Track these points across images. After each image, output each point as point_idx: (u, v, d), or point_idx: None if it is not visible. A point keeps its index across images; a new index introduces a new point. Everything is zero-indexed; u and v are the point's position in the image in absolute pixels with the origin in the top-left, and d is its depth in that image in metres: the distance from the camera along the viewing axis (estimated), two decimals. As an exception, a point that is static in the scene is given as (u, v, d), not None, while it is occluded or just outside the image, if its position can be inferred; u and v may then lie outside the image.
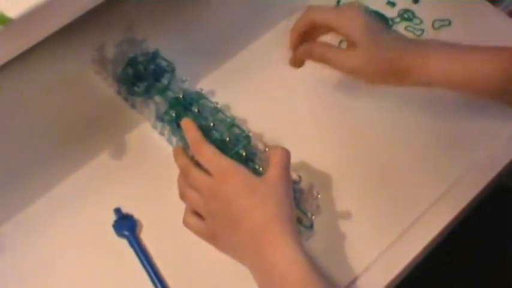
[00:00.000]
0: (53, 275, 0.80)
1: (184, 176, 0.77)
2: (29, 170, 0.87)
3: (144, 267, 0.80)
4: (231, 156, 0.77)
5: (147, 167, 0.88)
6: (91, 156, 0.89)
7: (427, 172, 0.89)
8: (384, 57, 0.81)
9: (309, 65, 0.86)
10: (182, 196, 0.77)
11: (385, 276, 0.81)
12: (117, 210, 0.84)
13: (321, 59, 0.84)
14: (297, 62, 0.88)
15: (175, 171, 0.82)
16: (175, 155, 0.79)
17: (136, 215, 0.84)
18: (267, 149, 0.83)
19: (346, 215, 0.84)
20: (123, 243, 0.82)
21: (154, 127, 0.90)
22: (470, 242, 0.99)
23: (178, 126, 0.84)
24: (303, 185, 0.84)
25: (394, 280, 0.81)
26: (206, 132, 0.83)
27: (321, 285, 0.68)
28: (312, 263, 0.69)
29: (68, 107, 0.90)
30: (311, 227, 0.80)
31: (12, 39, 0.65)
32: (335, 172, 0.88)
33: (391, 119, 0.93)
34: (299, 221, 0.79)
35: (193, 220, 0.76)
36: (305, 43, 0.85)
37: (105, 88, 0.92)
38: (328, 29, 0.84)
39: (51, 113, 0.89)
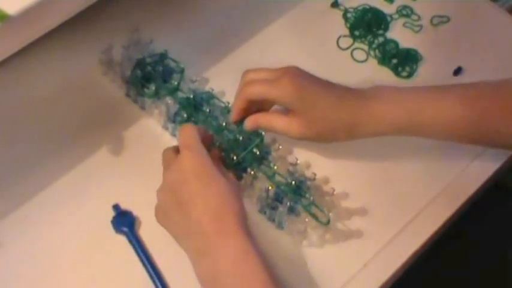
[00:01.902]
0: (51, 271, 0.80)
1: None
2: (26, 166, 0.86)
3: (143, 263, 0.80)
4: (245, 156, 0.78)
5: (146, 163, 0.88)
6: (90, 152, 0.89)
7: (424, 170, 0.89)
8: (324, 119, 0.80)
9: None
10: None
11: (382, 274, 0.81)
12: (116, 207, 0.84)
13: (269, 130, 0.84)
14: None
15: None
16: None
17: (135, 211, 0.84)
18: (280, 147, 0.83)
19: (344, 213, 0.84)
20: (122, 240, 0.82)
21: (165, 128, 0.90)
22: (470, 242, 0.99)
23: None
24: (318, 181, 0.84)
25: (391, 278, 0.81)
26: (218, 132, 0.83)
27: (269, 277, 0.68)
28: (263, 257, 0.70)
29: (69, 105, 0.90)
30: (328, 223, 0.80)
31: (11, 36, 0.65)
32: (332, 170, 0.88)
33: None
34: (315, 217, 0.80)
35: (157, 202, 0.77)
36: (250, 115, 0.84)
37: (110, 87, 0.92)
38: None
39: (52, 110, 0.89)
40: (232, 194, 0.73)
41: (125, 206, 0.84)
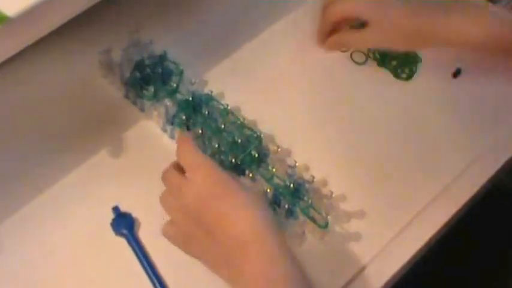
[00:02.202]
0: (50, 273, 0.80)
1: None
2: (26, 168, 0.86)
3: (143, 265, 0.80)
4: (244, 158, 0.78)
5: (145, 165, 0.88)
6: (89, 154, 0.88)
7: (424, 170, 0.89)
8: (400, 24, 0.85)
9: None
10: (161, 203, 0.73)
11: (383, 275, 0.81)
12: (116, 209, 0.84)
13: (347, 45, 0.95)
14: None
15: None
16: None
17: (135, 213, 0.84)
18: (279, 150, 0.83)
19: (342, 216, 0.84)
20: (122, 242, 0.82)
21: (164, 130, 0.90)
22: (470, 242, 0.99)
23: (189, 128, 0.85)
24: (316, 183, 0.84)
25: (392, 279, 0.81)
26: (217, 134, 0.83)
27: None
28: (296, 262, 0.66)
29: (68, 106, 0.90)
30: (326, 226, 0.80)
31: (10, 38, 0.65)
32: (330, 173, 0.88)
33: (393, 117, 0.94)
34: (313, 220, 0.80)
35: (168, 227, 0.72)
36: (331, 36, 0.93)
37: (109, 89, 0.92)
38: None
39: (51, 112, 0.89)
40: (260, 207, 0.67)
41: (124, 208, 0.84)
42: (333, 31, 0.93)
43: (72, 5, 0.70)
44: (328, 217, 0.80)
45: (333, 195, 0.83)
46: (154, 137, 0.90)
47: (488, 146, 0.91)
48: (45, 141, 0.88)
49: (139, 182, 0.86)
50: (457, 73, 0.98)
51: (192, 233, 0.69)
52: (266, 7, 1.03)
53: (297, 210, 0.80)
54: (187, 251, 0.71)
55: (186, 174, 0.70)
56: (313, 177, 0.83)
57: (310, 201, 0.80)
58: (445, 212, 0.85)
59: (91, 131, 0.90)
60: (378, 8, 0.86)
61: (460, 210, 0.86)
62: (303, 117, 0.93)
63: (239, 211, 0.66)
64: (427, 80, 0.97)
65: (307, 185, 0.83)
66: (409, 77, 0.98)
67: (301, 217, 0.81)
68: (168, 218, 0.73)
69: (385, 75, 0.98)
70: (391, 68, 0.98)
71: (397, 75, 0.98)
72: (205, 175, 0.68)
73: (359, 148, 0.90)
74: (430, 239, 0.84)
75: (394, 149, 0.90)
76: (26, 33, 0.67)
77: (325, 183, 0.86)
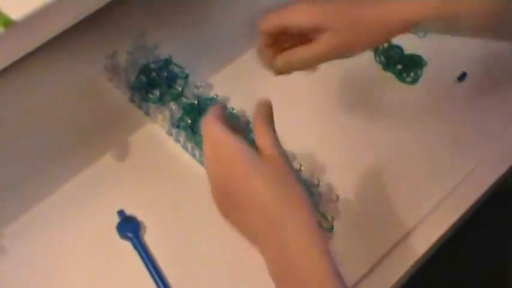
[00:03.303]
0: (56, 277, 0.80)
1: None
2: (31, 172, 0.87)
3: (148, 269, 0.80)
4: None
5: (150, 168, 0.88)
6: (95, 158, 0.89)
7: (430, 173, 0.89)
8: (352, 22, 0.75)
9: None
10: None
11: (386, 281, 0.80)
12: (121, 212, 0.84)
13: (301, 63, 0.78)
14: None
15: (179, 173, 0.83)
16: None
17: (140, 217, 0.84)
18: None
19: (351, 217, 0.84)
20: (127, 246, 0.82)
21: (169, 134, 0.90)
22: (470, 242, 0.99)
23: (194, 132, 0.85)
24: (322, 187, 0.84)
25: (397, 283, 0.81)
26: None
27: (333, 266, 0.63)
28: (326, 246, 0.64)
29: (74, 110, 0.90)
30: (331, 230, 0.80)
31: (15, 42, 0.65)
32: (335, 177, 0.88)
33: (399, 121, 0.94)
34: (319, 224, 0.79)
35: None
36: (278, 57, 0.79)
37: (114, 93, 0.92)
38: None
39: (56, 115, 0.89)
40: (285, 179, 0.65)
41: (130, 211, 0.85)
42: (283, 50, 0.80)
43: (77, 9, 0.70)
44: (334, 221, 0.80)
45: (339, 199, 0.83)
46: (159, 141, 0.91)
47: (494, 149, 0.90)
48: (50, 145, 0.88)
49: (144, 186, 0.86)
50: (462, 77, 0.98)
51: (225, 208, 0.67)
52: (272, 11, 1.03)
53: None
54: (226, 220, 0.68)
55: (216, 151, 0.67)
56: (319, 181, 0.83)
57: (315, 204, 0.80)
58: (450, 216, 0.85)
59: (96, 135, 0.90)
60: (325, 10, 0.75)
61: (465, 214, 0.86)
62: (309, 121, 0.94)
63: (270, 185, 0.64)
64: (432, 84, 0.97)
65: (312, 189, 0.83)
66: (414, 81, 0.98)
67: None
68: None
69: (390, 79, 0.98)
70: (396, 72, 0.98)
71: (402, 79, 0.98)
72: (235, 152, 0.65)
73: (364, 152, 0.90)
74: (435, 243, 0.84)
75: (400, 153, 0.90)
76: (31, 37, 0.67)
77: (330, 187, 0.86)
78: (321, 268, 0.63)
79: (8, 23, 0.64)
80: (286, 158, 0.68)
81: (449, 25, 0.77)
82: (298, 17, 0.75)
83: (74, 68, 0.85)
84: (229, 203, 0.66)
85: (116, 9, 0.79)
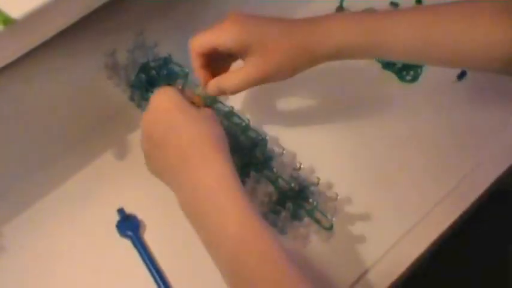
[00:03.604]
0: (55, 275, 0.80)
1: None
2: (31, 170, 0.87)
3: (148, 267, 0.80)
4: (249, 160, 0.77)
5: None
6: (94, 156, 0.89)
7: (429, 173, 0.89)
8: (279, 50, 0.76)
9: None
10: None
11: (389, 275, 0.81)
12: (121, 211, 0.84)
13: (231, 88, 0.79)
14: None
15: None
16: None
17: (140, 215, 0.84)
18: (284, 152, 0.83)
19: (349, 216, 0.84)
20: (127, 244, 0.82)
21: None
22: (470, 242, 0.99)
23: None
24: (321, 186, 0.84)
25: (397, 279, 0.81)
26: None
27: (248, 202, 0.67)
28: (241, 184, 0.68)
29: (74, 108, 0.90)
30: (331, 228, 0.80)
31: (15, 40, 0.66)
32: (335, 175, 0.88)
33: (398, 120, 0.94)
34: (318, 222, 0.80)
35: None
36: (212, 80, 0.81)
37: (114, 91, 0.92)
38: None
39: (56, 114, 0.89)
40: (206, 120, 0.72)
41: (129, 210, 0.85)
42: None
43: (76, 8, 0.70)
44: (333, 219, 0.80)
45: (338, 198, 0.83)
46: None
47: (493, 148, 0.90)
48: (50, 143, 0.88)
49: (144, 184, 0.86)
50: (461, 76, 0.98)
51: (150, 151, 0.74)
52: (270, 9, 1.03)
53: (302, 212, 0.80)
54: (152, 171, 0.75)
55: (151, 99, 0.74)
56: (319, 179, 0.83)
57: (315, 203, 0.80)
58: (449, 216, 0.85)
59: (96, 133, 0.90)
60: (253, 33, 0.76)
61: (464, 214, 0.86)
62: (308, 119, 0.94)
63: (181, 123, 0.71)
64: (432, 82, 0.97)
65: (312, 188, 0.83)
66: (413, 80, 0.98)
67: (306, 219, 0.81)
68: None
69: (389, 77, 0.98)
70: (396, 70, 0.99)
71: (401, 78, 0.98)
72: (158, 97, 0.73)
73: (363, 151, 0.90)
74: (434, 242, 0.84)
75: (399, 151, 0.90)
76: (30, 36, 0.67)
77: (330, 185, 0.86)
78: (231, 202, 0.67)
79: (7, 21, 0.64)
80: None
81: (379, 52, 0.79)
82: (225, 37, 0.77)
83: (73, 66, 0.85)
84: (152, 142, 0.72)
85: (115, 7, 0.78)
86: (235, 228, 0.65)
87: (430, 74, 0.98)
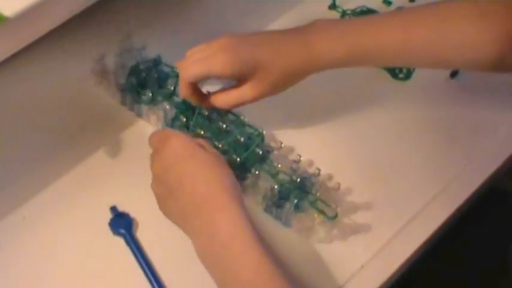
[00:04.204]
0: (48, 273, 0.80)
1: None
2: (23, 168, 0.86)
3: (141, 265, 0.80)
4: (247, 156, 0.78)
5: (143, 164, 0.87)
6: (87, 154, 0.89)
7: (424, 169, 0.89)
8: (273, 70, 0.80)
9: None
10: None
11: (382, 274, 0.81)
12: (113, 209, 0.84)
13: (227, 107, 0.84)
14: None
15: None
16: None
17: (133, 213, 0.84)
18: (282, 145, 0.84)
19: (349, 208, 0.84)
20: (120, 242, 0.82)
21: None
22: (469, 242, 0.99)
23: (189, 130, 0.84)
24: (322, 177, 0.84)
25: (390, 277, 0.81)
26: (218, 134, 0.83)
27: (265, 249, 0.68)
28: (257, 230, 0.69)
29: (64, 109, 0.90)
30: (335, 217, 0.80)
31: (7, 38, 0.65)
32: (334, 166, 0.88)
33: (391, 117, 0.94)
34: (322, 212, 0.80)
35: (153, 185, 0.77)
36: (205, 103, 0.85)
37: (104, 96, 0.92)
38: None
39: (47, 114, 0.89)
40: (218, 166, 0.73)
41: (122, 208, 0.84)
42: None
43: (69, 6, 0.70)
44: (338, 208, 0.80)
45: (340, 187, 0.83)
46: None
47: (486, 146, 0.91)
48: (42, 141, 0.88)
49: (137, 182, 0.86)
50: (454, 74, 0.98)
51: (163, 197, 0.75)
52: (261, 8, 1.03)
53: (305, 203, 0.81)
54: (166, 215, 0.76)
55: (159, 144, 0.76)
56: (319, 170, 0.83)
57: (318, 194, 0.80)
58: (442, 213, 0.86)
59: (87, 132, 0.90)
60: (246, 62, 0.79)
61: (457, 212, 0.86)
62: (302, 116, 0.94)
63: (194, 169, 0.72)
64: (425, 80, 0.97)
65: (313, 179, 0.83)
66: (406, 77, 0.98)
67: (310, 211, 0.81)
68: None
69: (383, 75, 0.99)
70: (389, 68, 0.98)
71: (395, 76, 0.98)
72: (170, 142, 0.74)
73: (356, 148, 0.91)
74: (430, 238, 0.84)
75: (392, 148, 0.91)
76: (23, 34, 0.67)
77: (330, 176, 0.87)
78: (248, 247, 0.68)
79: (0, 19, 0.64)
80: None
81: (365, 62, 0.84)
82: (218, 69, 0.79)
83: (60, 70, 0.84)
84: (166, 188, 0.73)
85: (101, 10, 0.78)
86: (250, 276, 0.67)
87: (423, 72, 0.98)
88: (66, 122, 0.90)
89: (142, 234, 0.83)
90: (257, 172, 0.82)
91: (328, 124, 0.93)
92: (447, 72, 0.98)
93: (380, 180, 0.88)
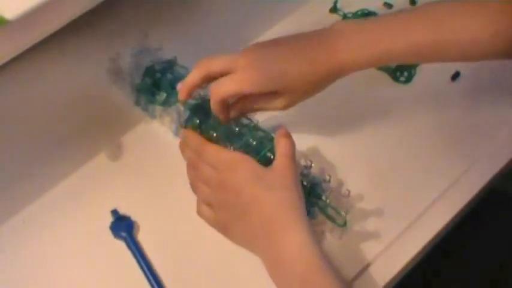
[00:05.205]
0: (50, 276, 0.80)
1: (192, 169, 0.80)
2: (25, 171, 0.86)
3: (142, 268, 0.80)
4: (259, 160, 0.78)
5: (144, 168, 0.88)
6: (88, 157, 0.89)
7: (426, 171, 0.89)
8: (301, 80, 0.80)
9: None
10: (193, 189, 0.80)
11: (385, 274, 0.81)
12: (114, 212, 0.84)
13: (256, 110, 0.85)
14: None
15: (173, 172, 0.83)
16: (182, 150, 0.82)
17: (134, 216, 0.84)
18: None
19: (359, 214, 0.84)
20: (121, 245, 0.82)
21: (176, 135, 0.90)
22: (469, 242, 0.99)
23: (202, 133, 0.84)
24: (333, 183, 0.84)
25: (394, 278, 0.81)
26: (230, 137, 0.83)
27: (330, 271, 0.70)
28: (321, 249, 0.71)
29: (68, 111, 0.90)
30: (344, 224, 0.80)
31: (9, 40, 0.65)
32: (344, 172, 0.88)
33: (392, 120, 0.94)
34: (332, 219, 0.80)
35: (206, 211, 0.78)
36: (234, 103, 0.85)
37: (118, 95, 0.92)
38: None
39: (52, 116, 0.89)
40: (285, 187, 0.74)
41: (123, 211, 0.84)
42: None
43: (70, 9, 0.70)
44: (347, 215, 0.80)
45: (350, 194, 0.83)
46: (153, 140, 0.91)
47: (487, 149, 0.91)
48: (43, 144, 0.88)
49: (138, 185, 0.86)
50: (455, 76, 0.98)
51: (230, 221, 0.76)
52: (262, 12, 1.03)
53: (315, 209, 0.81)
54: (227, 235, 0.78)
55: (222, 171, 0.76)
56: (330, 177, 0.83)
57: (328, 200, 0.80)
58: (444, 215, 0.85)
59: (90, 134, 0.90)
60: (274, 78, 0.80)
61: (459, 214, 0.86)
62: (311, 119, 0.94)
63: (266, 196, 0.73)
64: (426, 83, 0.97)
65: (323, 185, 0.83)
66: (407, 80, 0.98)
67: (319, 217, 0.81)
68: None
69: (384, 78, 0.99)
70: (390, 71, 0.99)
71: (396, 79, 0.98)
72: (242, 171, 0.75)
73: (357, 151, 0.91)
74: (433, 239, 0.84)
75: (393, 151, 0.90)
76: (25, 36, 0.67)
77: (341, 182, 0.87)
78: (316, 269, 0.70)
79: (1, 21, 0.64)
80: (294, 169, 0.76)
81: (387, 62, 0.85)
82: (247, 87, 0.80)
83: (74, 70, 0.84)
84: (234, 214, 0.75)
85: (118, 9, 0.78)
86: None
87: (424, 74, 0.98)
88: (68, 125, 0.90)
89: (143, 238, 0.83)
90: None
91: (328, 127, 0.93)
92: (448, 75, 0.98)
93: (382, 184, 0.88)
